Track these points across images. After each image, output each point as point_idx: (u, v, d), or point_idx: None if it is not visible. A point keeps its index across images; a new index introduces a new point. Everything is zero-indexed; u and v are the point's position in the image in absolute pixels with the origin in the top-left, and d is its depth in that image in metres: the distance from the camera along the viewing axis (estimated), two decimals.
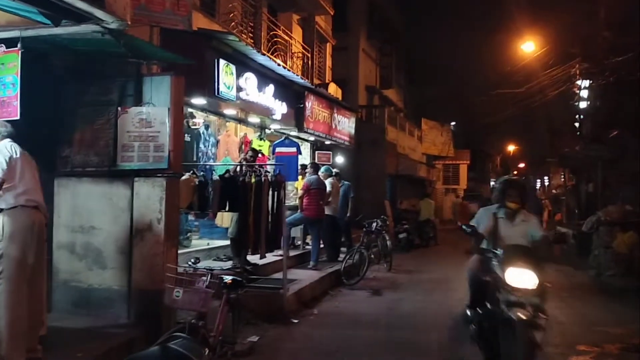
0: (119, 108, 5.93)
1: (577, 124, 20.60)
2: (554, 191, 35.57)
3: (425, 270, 13.03)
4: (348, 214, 12.07)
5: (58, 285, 6.03)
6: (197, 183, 7.81)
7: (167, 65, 6.73)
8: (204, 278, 4.14)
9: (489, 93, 32.56)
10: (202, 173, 8.01)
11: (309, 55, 15.52)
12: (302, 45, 15.12)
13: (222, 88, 8.31)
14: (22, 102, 5.67)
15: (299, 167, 11.10)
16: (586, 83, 18.76)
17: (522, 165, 56.52)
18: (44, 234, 4.76)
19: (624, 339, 6.74)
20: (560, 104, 27.63)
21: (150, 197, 5.82)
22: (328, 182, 11.23)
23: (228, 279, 4.59)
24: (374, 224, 11.98)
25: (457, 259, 15.41)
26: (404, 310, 8.50)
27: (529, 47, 24.02)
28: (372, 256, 11.77)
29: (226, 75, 8.46)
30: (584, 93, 18.96)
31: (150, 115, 5.86)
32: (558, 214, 24.61)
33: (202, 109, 9.37)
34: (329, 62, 18.24)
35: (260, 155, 11.40)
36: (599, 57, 17.44)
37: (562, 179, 27.02)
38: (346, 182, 12.30)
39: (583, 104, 18.57)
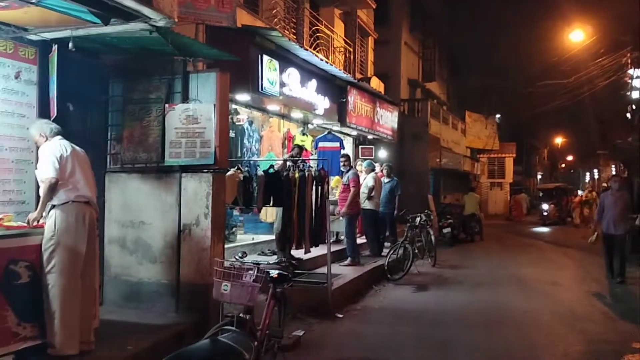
0: (166, 105, 6.03)
1: (629, 115, 19.88)
2: (604, 184, 34.42)
3: (471, 266, 12.83)
4: (395, 211, 11.92)
5: (109, 279, 6.21)
6: (241, 178, 7.88)
7: (213, 62, 6.82)
8: (251, 272, 4.16)
9: (535, 84, 31.86)
10: (246, 168, 8.08)
11: (351, 49, 15.44)
12: (344, 39, 15.06)
13: (265, 84, 8.37)
14: (74, 100, 5.88)
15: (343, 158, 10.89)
16: (638, 72, 18.09)
17: (570, 158, 55.02)
18: (95, 229, 4.89)
19: None
20: (611, 95, 26.75)
21: (197, 193, 5.90)
22: (370, 177, 11.17)
23: (274, 273, 4.60)
24: (418, 219, 11.84)
25: (502, 254, 15.19)
26: (448, 307, 8.38)
27: (577, 36, 23.30)
28: (416, 251, 11.65)
29: (269, 71, 8.51)
30: (637, 83, 18.27)
31: (196, 111, 5.93)
32: None
33: (245, 105, 9.45)
34: (371, 56, 18.12)
35: (304, 150, 11.50)
36: None
37: (614, 172, 26.14)
38: (395, 178, 12.16)
39: (635, 94, 17.85)
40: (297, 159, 8.26)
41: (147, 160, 6.11)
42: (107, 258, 6.21)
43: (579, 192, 33.56)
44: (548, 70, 28.39)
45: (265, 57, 8.35)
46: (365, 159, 12.61)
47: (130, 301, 6.10)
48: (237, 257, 4.37)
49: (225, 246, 6.84)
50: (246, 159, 9.21)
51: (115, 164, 6.29)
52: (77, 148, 4.86)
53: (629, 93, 18.33)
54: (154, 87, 6.18)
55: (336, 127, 12.10)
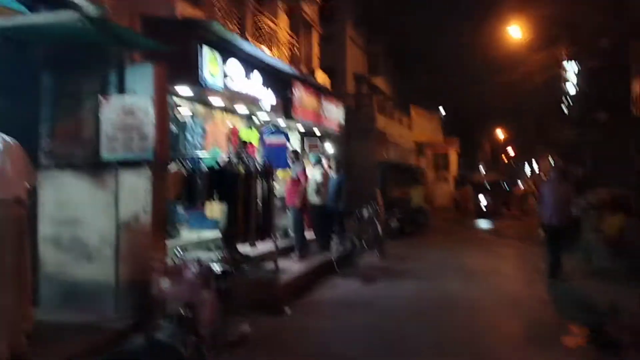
0: (101, 97, 5.79)
1: (565, 108, 20.67)
2: (542, 176, 35.62)
3: (418, 257, 13.00)
4: (343, 205, 11.91)
5: (45, 279, 5.93)
6: (185, 174, 7.72)
7: (150, 53, 6.61)
8: (192, 268, 4.04)
9: (476, 80, 32.61)
10: (189, 164, 7.90)
11: (296, 44, 15.35)
12: (288, 33, 14.96)
13: (207, 77, 8.19)
14: (2, 94, 5.57)
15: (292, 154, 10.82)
16: (574, 67, 18.80)
17: (512, 152, 56.72)
18: (24, 227, 4.63)
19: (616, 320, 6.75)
20: (548, 90, 27.72)
21: (135, 189, 5.72)
22: (318, 172, 11.13)
23: (217, 268, 4.50)
24: (365, 212, 11.90)
25: (448, 245, 15.46)
26: (397, 298, 8.45)
27: (515, 31, 23.96)
28: (364, 244, 11.72)
29: (211, 63, 8.34)
30: (572, 77, 18.99)
31: (133, 104, 5.73)
32: None
33: (188, 98, 9.22)
34: (316, 51, 18.07)
35: (248, 145, 11.35)
36: (586, 40, 17.45)
37: (551, 164, 27.10)
38: (343, 174, 12.14)
39: (572, 89, 18.55)
40: (241, 153, 8.13)
41: (83, 155, 5.86)
42: (42, 257, 5.93)
43: (520, 185, 34.68)
44: (490, 66, 29.16)
45: (206, 49, 8.17)
46: (313, 154, 12.56)
47: (68, 301, 5.85)
48: (177, 252, 4.24)
49: (169, 243, 6.67)
50: (190, 154, 9.00)
51: (48, 160, 6.01)
52: (10, 141, 4.58)
53: (564, 84, 18.98)
54: (89, 79, 5.95)
55: (282, 122, 12.00)
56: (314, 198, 10.95)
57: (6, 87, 5.58)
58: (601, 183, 11.82)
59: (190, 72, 7.92)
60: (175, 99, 8.98)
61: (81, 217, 5.86)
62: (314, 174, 11.04)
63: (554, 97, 25.93)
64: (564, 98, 20.48)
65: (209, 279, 4.46)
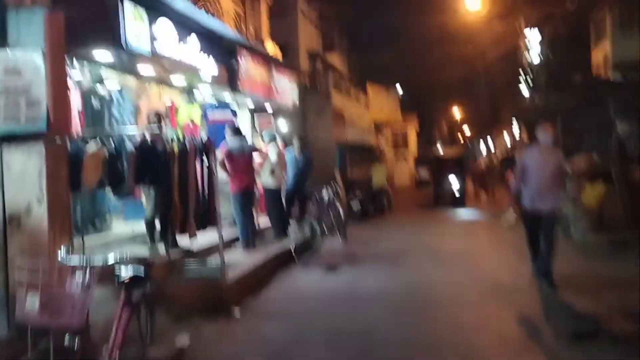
0: None
1: (527, 78, 19.98)
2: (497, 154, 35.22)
3: (383, 240, 11.99)
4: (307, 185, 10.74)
5: None
6: (106, 155, 6.40)
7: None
8: (79, 278, 2.79)
9: (433, 56, 31.83)
10: (114, 144, 6.57)
11: (242, 13, 13.96)
12: (232, 2, 13.55)
13: (130, 38, 6.76)
14: None
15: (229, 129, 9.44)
16: (536, 35, 18.08)
17: (467, 129, 56.61)
18: None
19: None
20: (505, 62, 27.07)
21: (25, 171, 4.38)
22: (272, 150, 9.95)
23: (125, 274, 3.25)
24: (325, 193, 10.79)
25: (413, 226, 14.54)
26: (365, 290, 7.33)
27: (473, 4, 23.24)
28: (325, 228, 10.60)
29: (136, 21, 6.93)
30: (535, 45, 18.25)
31: (17, 61, 4.37)
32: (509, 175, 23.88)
33: (112, 67, 7.78)
34: (265, 23, 16.69)
35: (190, 123, 10.02)
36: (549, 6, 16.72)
37: (517, 137, 26.25)
38: (306, 153, 10.97)
39: (535, 58, 17.82)
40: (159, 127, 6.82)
41: None
42: None
43: (480, 162, 34.15)
44: (446, 39, 28.39)
45: (128, 4, 6.74)
46: (266, 131, 11.33)
47: None
48: (61, 254, 2.98)
49: (96, 240, 5.39)
50: (115, 132, 7.60)
51: None
52: None
53: (527, 53, 18.22)
54: None
55: (228, 96, 10.66)
56: (268, 180, 9.78)
57: None
58: (579, 151, 10.94)
59: (108, 31, 6.49)
60: (102, 70, 7.61)
61: None
62: (269, 154, 9.85)
63: (511, 70, 25.32)
64: (526, 68, 19.78)
65: (116, 288, 3.22)
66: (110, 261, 3.12)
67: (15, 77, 4.34)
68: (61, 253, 3.02)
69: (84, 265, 2.88)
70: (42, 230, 4.34)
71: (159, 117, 7.03)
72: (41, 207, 4.34)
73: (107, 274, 3.36)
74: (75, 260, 2.98)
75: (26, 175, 4.36)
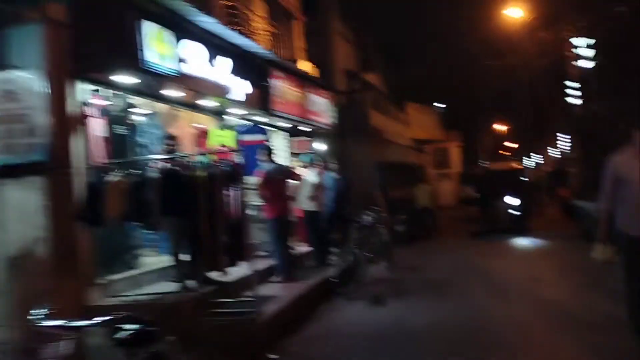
0: None
1: (576, 87, 18.87)
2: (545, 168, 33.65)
3: (431, 265, 11.17)
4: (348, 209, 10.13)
5: None
6: (128, 185, 5.90)
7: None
8: (59, 342, 2.18)
9: (473, 71, 30.88)
10: (137, 173, 6.08)
11: (275, 30, 13.50)
12: (266, 21, 13.12)
13: (150, 57, 6.30)
14: None
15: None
16: (585, 41, 17.06)
17: (512, 144, 54.95)
18: None
19: None
20: (549, 75, 25.94)
21: (24, 207, 3.86)
22: (313, 174, 9.45)
23: (123, 331, 2.63)
24: (366, 217, 10.09)
25: (462, 247, 13.63)
26: (414, 326, 6.53)
27: (514, 13, 22.50)
28: (369, 255, 9.87)
29: (157, 42, 6.48)
30: (584, 51, 17.20)
31: (15, 84, 3.89)
32: (562, 190, 22.52)
33: (139, 92, 7.33)
34: (299, 42, 16.26)
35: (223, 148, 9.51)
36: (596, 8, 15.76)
37: (569, 149, 24.73)
38: (346, 175, 10.43)
39: (585, 63, 16.77)
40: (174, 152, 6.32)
41: None
42: None
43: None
44: (486, 52, 27.49)
45: (148, 24, 6.29)
46: (304, 154, 10.82)
47: None
48: (34, 314, 2.38)
49: (126, 275, 4.85)
50: (141, 161, 7.12)
51: None
52: None
53: (576, 63, 17.19)
54: None
55: (261, 118, 10.15)
56: (307, 205, 9.19)
57: None
58: None
59: (126, 52, 6.04)
60: (129, 97, 7.21)
61: None
62: (307, 177, 9.30)
63: (556, 80, 24.23)
64: (574, 77, 18.73)
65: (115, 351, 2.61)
66: (99, 321, 2.50)
67: (12, 102, 3.86)
68: (35, 314, 2.42)
69: (65, 327, 2.29)
70: (44, 273, 3.80)
71: (172, 138, 6.55)
72: (44, 247, 3.81)
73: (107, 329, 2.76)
74: (53, 322, 2.38)
75: (24, 211, 3.85)
